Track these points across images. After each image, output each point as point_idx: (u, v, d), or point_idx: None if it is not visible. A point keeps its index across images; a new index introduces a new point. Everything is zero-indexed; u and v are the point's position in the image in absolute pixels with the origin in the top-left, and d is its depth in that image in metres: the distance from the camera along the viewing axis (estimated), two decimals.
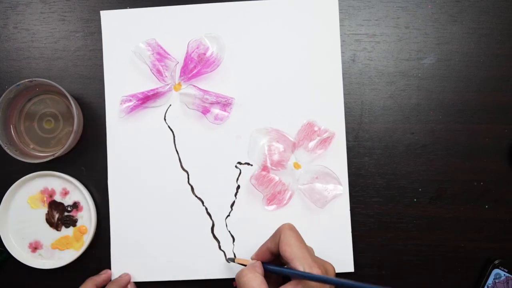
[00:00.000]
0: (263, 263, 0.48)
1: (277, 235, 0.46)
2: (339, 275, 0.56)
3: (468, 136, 0.57)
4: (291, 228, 0.46)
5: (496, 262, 0.55)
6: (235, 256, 0.57)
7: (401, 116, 0.58)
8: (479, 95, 0.57)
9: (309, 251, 0.45)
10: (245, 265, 0.49)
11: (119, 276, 0.56)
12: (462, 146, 0.57)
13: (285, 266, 0.46)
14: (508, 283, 0.55)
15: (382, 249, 0.57)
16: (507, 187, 0.57)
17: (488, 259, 0.57)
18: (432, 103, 0.58)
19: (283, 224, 0.47)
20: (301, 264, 0.42)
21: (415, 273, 0.57)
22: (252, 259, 0.50)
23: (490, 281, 0.56)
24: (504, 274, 0.55)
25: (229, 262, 0.56)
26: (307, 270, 0.42)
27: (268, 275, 0.47)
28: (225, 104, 0.57)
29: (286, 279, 0.46)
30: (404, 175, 0.58)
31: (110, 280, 0.57)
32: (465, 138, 0.57)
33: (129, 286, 0.56)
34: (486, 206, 0.57)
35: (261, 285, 0.43)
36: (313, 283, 0.41)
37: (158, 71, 0.57)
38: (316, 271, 0.42)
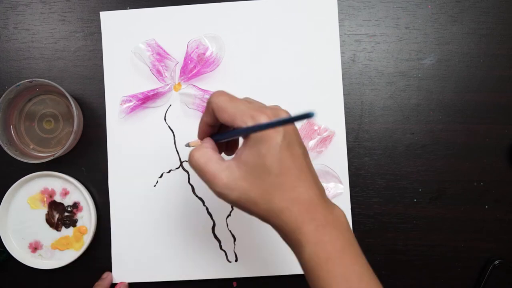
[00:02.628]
0: (212, 137, 0.43)
1: (209, 107, 0.40)
2: None
3: (468, 136, 0.57)
4: (220, 92, 0.40)
5: (496, 262, 0.55)
6: (236, 256, 0.57)
7: (401, 116, 0.58)
8: (479, 95, 0.57)
9: (247, 103, 0.39)
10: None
11: (101, 279, 0.56)
12: (462, 146, 0.57)
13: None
14: (508, 283, 0.56)
15: (382, 249, 0.57)
16: (507, 187, 0.57)
17: (488, 259, 0.57)
18: (432, 103, 0.58)
19: (212, 93, 0.41)
20: (242, 121, 0.37)
21: (415, 273, 0.57)
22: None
23: (490, 281, 0.56)
24: (504, 274, 0.55)
25: (186, 146, 0.51)
26: (250, 123, 0.37)
27: (221, 147, 0.44)
28: None
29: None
30: (404, 176, 0.58)
31: (112, 282, 0.57)
32: (465, 138, 0.57)
33: (122, 286, 0.56)
34: (486, 206, 0.57)
35: (211, 157, 0.39)
36: (261, 134, 0.37)
37: (158, 71, 0.57)
38: (263, 118, 0.37)
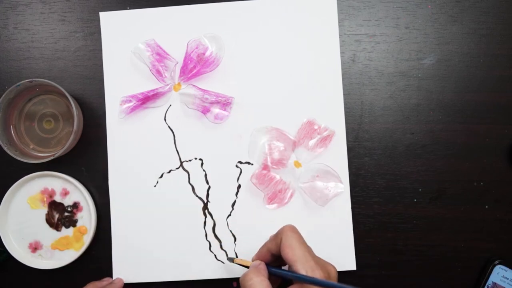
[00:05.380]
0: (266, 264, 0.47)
1: (278, 237, 0.45)
2: (340, 273, 0.56)
3: (468, 136, 0.57)
4: (293, 229, 0.46)
5: (496, 262, 0.55)
6: (236, 256, 0.57)
7: (401, 116, 0.58)
8: (479, 95, 0.57)
9: (311, 252, 0.44)
10: (246, 267, 0.49)
11: (112, 282, 0.56)
12: (462, 146, 0.57)
13: (286, 268, 0.46)
14: (508, 283, 0.56)
15: (382, 249, 0.57)
16: (507, 187, 0.57)
17: (488, 259, 0.57)
18: (432, 103, 0.58)
19: (285, 226, 0.46)
20: (303, 267, 0.42)
21: (415, 273, 0.57)
22: (253, 260, 0.49)
23: (490, 281, 0.56)
24: (504, 274, 0.55)
25: (230, 262, 0.56)
26: (309, 273, 0.41)
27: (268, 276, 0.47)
28: (225, 103, 0.57)
29: (286, 281, 0.46)
30: (404, 175, 0.58)
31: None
32: (465, 138, 0.57)
33: (117, 281, 0.56)
34: (486, 206, 0.57)
35: None
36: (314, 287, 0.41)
37: (158, 72, 0.57)
38: (318, 273, 0.41)
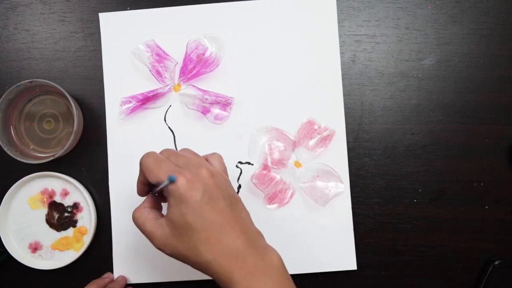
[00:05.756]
0: (151, 192, 0.46)
1: (140, 168, 0.44)
2: (341, 273, 0.56)
3: (468, 136, 0.57)
4: (147, 154, 0.44)
5: (496, 262, 0.55)
6: None
7: (401, 116, 0.58)
8: (479, 95, 0.57)
9: (172, 163, 0.43)
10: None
11: (115, 280, 0.56)
12: (462, 146, 0.57)
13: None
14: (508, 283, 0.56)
15: (382, 249, 0.57)
16: (507, 187, 0.57)
17: (488, 259, 0.57)
18: (432, 103, 0.58)
19: (143, 155, 0.44)
20: (165, 178, 0.41)
21: (415, 273, 0.57)
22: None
23: (490, 281, 0.56)
24: (504, 274, 0.56)
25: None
26: (166, 182, 0.40)
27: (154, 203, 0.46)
28: (225, 104, 0.57)
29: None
30: (404, 176, 0.58)
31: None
32: (465, 138, 0.57)
33: (120, 278, 0.57)
34: (486, 207, 0.57)
35: (147, 217, 0.43)
36: (180, 194, 0.40)
37: (158, 72, 0.57)
38: (179, 178, 0.40)
